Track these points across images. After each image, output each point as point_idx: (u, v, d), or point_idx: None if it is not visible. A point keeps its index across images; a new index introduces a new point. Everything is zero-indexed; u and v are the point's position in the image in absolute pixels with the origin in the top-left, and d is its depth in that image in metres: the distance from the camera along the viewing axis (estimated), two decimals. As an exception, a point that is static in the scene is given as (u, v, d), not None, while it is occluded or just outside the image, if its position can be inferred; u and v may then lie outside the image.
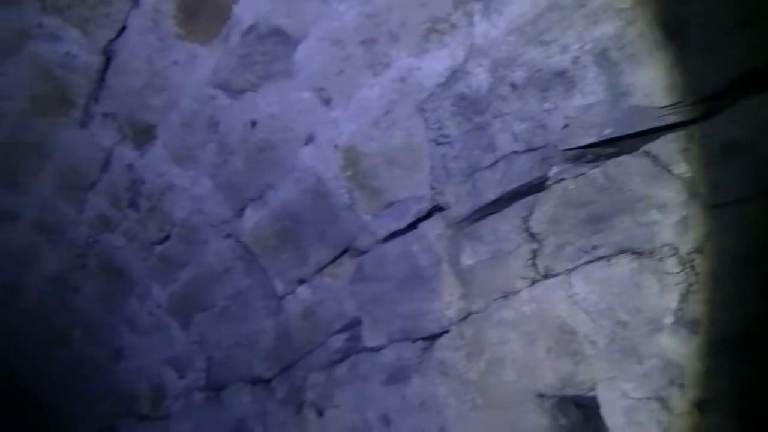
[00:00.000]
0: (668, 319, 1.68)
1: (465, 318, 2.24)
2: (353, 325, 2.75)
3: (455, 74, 2.05)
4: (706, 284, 1.62)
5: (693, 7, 1.53)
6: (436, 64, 2.09)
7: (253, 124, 2.70)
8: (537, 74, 1.86)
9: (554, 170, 1.92)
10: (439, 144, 2.17)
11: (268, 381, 3.42)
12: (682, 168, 1.64)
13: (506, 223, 2.06)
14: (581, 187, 1.87)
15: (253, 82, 2.58)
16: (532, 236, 2.00)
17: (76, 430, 5.69)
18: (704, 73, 1.55)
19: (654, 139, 1.70)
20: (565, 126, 1.84)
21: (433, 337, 2.38)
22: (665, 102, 1.62)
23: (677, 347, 1.66)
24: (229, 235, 3.22)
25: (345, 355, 2.83)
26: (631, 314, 1.77)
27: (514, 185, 2.00)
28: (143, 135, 3.18)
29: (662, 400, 1.71)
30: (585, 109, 1.78)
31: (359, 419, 2.74)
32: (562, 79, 1.81)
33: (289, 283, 3.02)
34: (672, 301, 1.67)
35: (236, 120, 2.75)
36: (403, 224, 2.39)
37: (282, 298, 3.09)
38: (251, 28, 2.42)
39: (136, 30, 2.70)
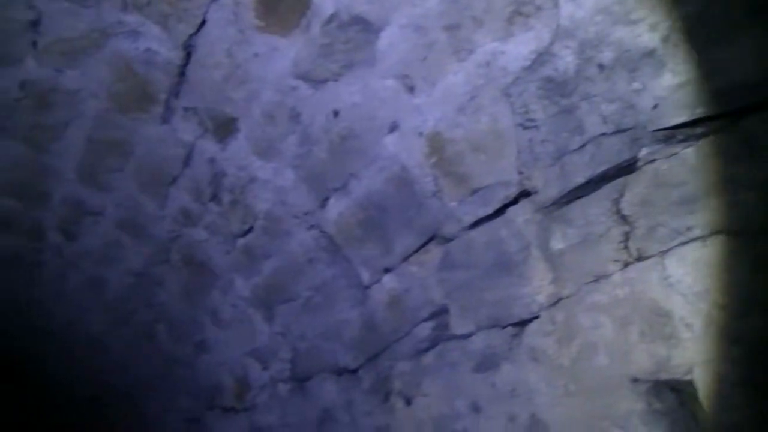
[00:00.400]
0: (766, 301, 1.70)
1: (555, 303, 2.28)
2: (440, 312, 2.80)
3: (541, 57, 2.09)
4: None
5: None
6: (521, 47, 2.13)
7: (336, 113, 2.76)
8: (625, 54, 1.89)
9: (644, 151, 1.94)
10: (525, 128, 2.21)
11: (354, 371, 3.49)
12: (777, 146, 1.65)
13: (596, 205, 2.09)
14: (673, 168, 1.89)
15: (335, 71, 2.65)
16: (624, 218, 2.02)
17: (161, 424, 5.85)
18: (800, 48, 1.57)
19: (747, 118, 1.71)
20: (655, 106, 1.86)
21: (523, 323, 2.42)
22: (758, 79, 1.63)
23: (777, 328, 1.68)
24: (312, 226, 3.30)
25: (432, 343, 2.88)
26: (729, 296, 1.78)
27: (603, 167, 2.03)
28: (224, 128, 3.27)
29: (760, 384, 1.73)
30: (675, 88, 1.80)
31: (448, 407, 2.79)
32: (651, 59, 1.83)
33: (374, 272, 3.08)
34: (769, 281, 1.69)
35: (318, 110, 2.82)
36: (490, 210, 2.43)
37: (367, 287, 3.16)
38: (332, 17, 2.48)
39: (216, 24, 2.78)
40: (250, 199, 3.52)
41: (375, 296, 3.13)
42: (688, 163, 1.85)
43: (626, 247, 2.03)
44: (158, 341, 5.21)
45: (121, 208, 4.11)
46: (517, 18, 2.09)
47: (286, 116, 2.96)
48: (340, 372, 3.65)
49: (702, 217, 1.84)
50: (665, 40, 1.79)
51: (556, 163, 2.16)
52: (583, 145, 2.06)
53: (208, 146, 3.41)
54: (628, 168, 2.00)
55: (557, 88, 2.08)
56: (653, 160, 1.94)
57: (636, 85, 1.89)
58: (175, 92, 3.21)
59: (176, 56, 3.02)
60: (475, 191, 2.46)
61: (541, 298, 2.33)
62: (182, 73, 3.10)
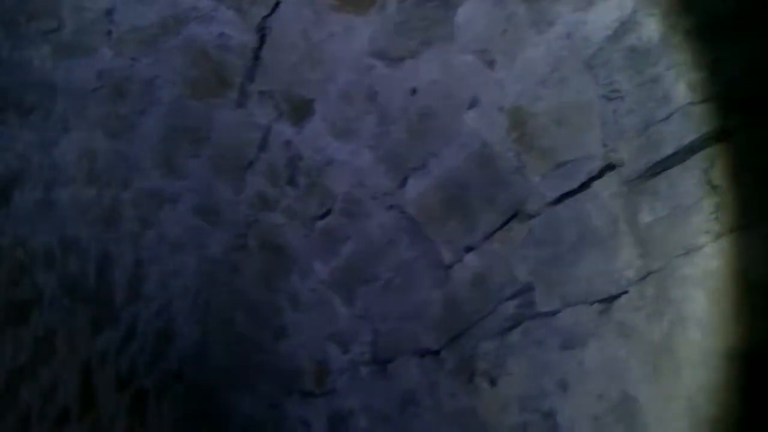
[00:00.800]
0: None
1: (644, 277, 2.28)
2: (525, 290, 2.82)
3: (624, 26, 2.10)
4: None
5: None
6: (603, 16, 2.14)
7: (414, 91, 2.80)
8: (711, 20, 1.89)
9: (735, 120, 1.94)
10: (609, 100, 2.22)
11: (437, 352, 3.53)
12: None
13: (685, 177, 2.09)
14: (765, 136, 1.88)
15: (413, 49, 2.68)
16: (715, 189, 2.02)
17: (241, 410, 5.97)
18: None
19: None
20: (744, 72, 1.86)
21: (611, 299, 2.43)
22: None
23: None
24: (391, 207, 3.34)
25: (517, 321, 2.90)
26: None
27: (692, 137, 2.03)
28: (300, 110, 3.33)
29: None
30: (765, 54, 1.80)
31: (535, 386, 2.81)
32: (739, 24, 1.83)
33: (456, 251, 3.11)
34: None
35: (396, 89, 2.86)
36: (574, 185, 2.45)
37: (449, 267, 3.19)
38: (408, -6, 2.52)
39: (290, 5, 2.84)
40: (327, 181, 3.58)
41: (457, 276, 3.16)
42: (780, 130, 1.85)
43: (717, 219, 2.03)
44: (236, 327, 5.31)
45: (198, 194, 4.20)
46: (599, -13, 2.11)
47: (363, 96, 3.01)
48: (423, 354, 3.69)
49: (797, 186, 1.83)
50: (754, 3, 1.78)
51: (643, 135, 2.16)
52: (670, 115, 2.07)
53: (284, 129, 3.48)
54: (717, 137, 1.99)
55: (641, 57, 2.09)
56: (743, 129, 1.93)
57: (722, 52, 1.89)
58: (250, 76, 3.28)
59: (250, 39, 3.08)
60: (558, 166, 2.48)
61: (630, 273, 2.34)
62: (257, 57, 3.16)
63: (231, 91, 3.41)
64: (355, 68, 2.91)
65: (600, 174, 2.36)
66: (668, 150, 2.10)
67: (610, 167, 2.32)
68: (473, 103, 2.63)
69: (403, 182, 3.14)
